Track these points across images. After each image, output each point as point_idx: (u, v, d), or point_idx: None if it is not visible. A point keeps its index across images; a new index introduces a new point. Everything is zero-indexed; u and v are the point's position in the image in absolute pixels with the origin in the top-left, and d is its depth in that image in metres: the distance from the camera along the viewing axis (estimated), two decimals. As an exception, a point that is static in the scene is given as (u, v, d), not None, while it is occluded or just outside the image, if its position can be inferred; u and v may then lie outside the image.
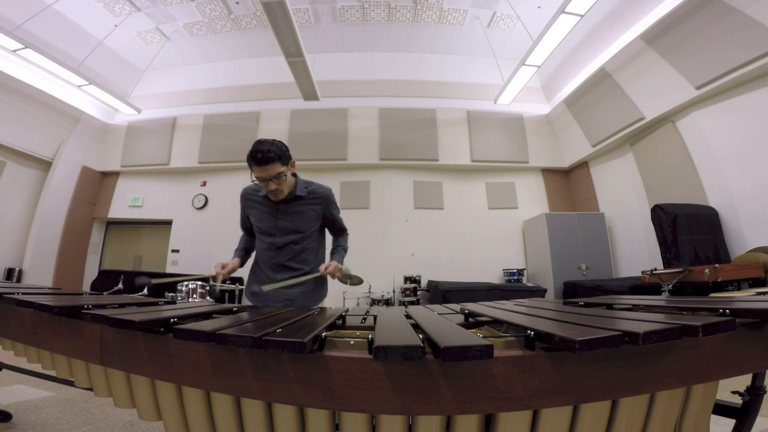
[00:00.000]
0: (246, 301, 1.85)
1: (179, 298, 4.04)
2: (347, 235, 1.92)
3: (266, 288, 1.54)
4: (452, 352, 0.56)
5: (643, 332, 0.56)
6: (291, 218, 1.69)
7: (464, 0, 5.86)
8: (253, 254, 1.87)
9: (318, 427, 0.69)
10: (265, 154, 1.49)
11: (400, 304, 5.80)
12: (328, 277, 1.74)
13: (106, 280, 5.41)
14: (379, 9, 6.13)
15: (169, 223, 7.04)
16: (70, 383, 1.10)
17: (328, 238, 1.91)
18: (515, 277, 6.32)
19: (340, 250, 1.83)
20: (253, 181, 1.60)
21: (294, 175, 1.72)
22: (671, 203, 4.60)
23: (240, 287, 4.92)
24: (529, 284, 6.07)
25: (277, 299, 1.66)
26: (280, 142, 1.60)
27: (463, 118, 7.04)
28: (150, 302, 1.28)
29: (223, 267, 1.67)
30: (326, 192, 1.77)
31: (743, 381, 0.87)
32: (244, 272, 1.88)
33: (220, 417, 0.75)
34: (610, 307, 1.09)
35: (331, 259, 1.73)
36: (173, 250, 6.85)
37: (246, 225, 1.86)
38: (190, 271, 6.27)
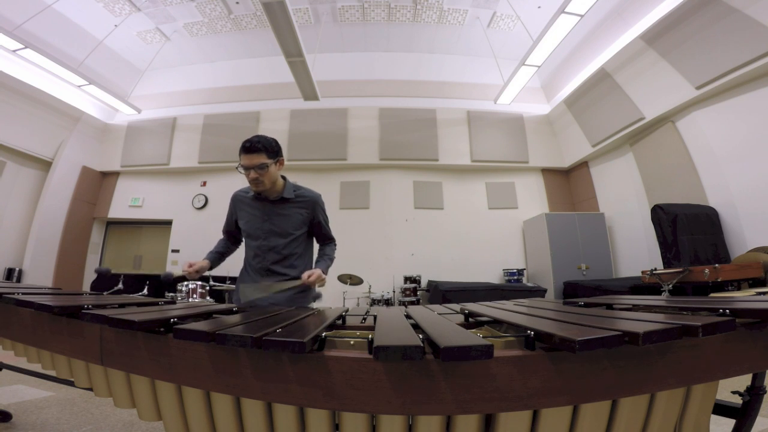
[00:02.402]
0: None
1: (179, 298, 4.04)
2: (335, 246, 1.87)
3: (250, 296, 1.54)
4: (452, 352, 0.56)
5: (643, 332, 0.56)
6: (277, 221, 1.69)
7: (464, 0, 5.86)
8: (232, 257, 1.87)
9: (318, 427, 0.69)
10: (253, 144, 1.56)
11: (400, 304, 5.80)
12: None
13: (105, 280, 5.41)
14: (379, 9, 6.12)
15: (169, 223, 7.04)
16: (70, 383, 1.10)
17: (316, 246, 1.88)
18: (515, 277, 6.32)
19: (326, 258, 1.77)
20: (237, 168, 1.62)
21: (283, 177, 1.73)
22: (671, 203, 4.60)
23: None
24: (529, 284, 6.07)
25: (263, 304, 1.63)
26: (275, 140, 1.64)
27: (463, 118, 7.04)
28: (150, 302, 1.28)
29: (191, 266, 1.64)
30: (314, 196, 1.77)
31: (743, 381, 0.87)
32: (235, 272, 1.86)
33: (220, 417, 0.75)
34: (610, 307, 1.09)
35: (316, 267, 1.68)
36: (173, 250, 6.85)
37: (229, 228, 1.85)
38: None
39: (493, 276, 6.57)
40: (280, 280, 1.66)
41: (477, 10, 6.06)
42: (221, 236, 1.90)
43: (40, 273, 6.19)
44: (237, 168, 1.62)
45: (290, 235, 1.69)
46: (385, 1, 5.93)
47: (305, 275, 1.56)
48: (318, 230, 1.80)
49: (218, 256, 1.83)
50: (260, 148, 1.56)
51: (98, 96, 6.15)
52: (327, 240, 1.85)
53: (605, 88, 5.77)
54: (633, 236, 5.80)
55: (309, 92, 5.87)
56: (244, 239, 1.81)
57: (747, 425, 0.89)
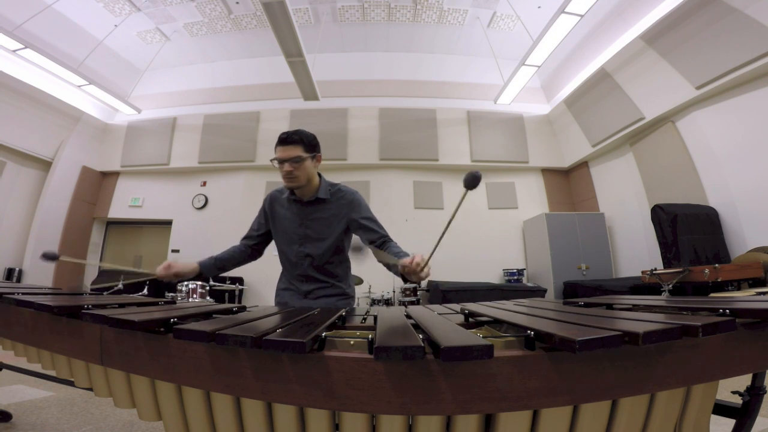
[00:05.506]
0: (245, 301, 1.81)
1: (179, 298, 4.05)
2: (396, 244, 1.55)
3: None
4: (452, 352, 0.56)
5: (643, 332, 0.56)
6: (314, 225, 1.58)
7: (464, 0, 5.86)
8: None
9: (318, 427, 0.69)
10: (290, 135, 1.49)
11: (400, 304, 5.80)
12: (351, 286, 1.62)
13: (105, 280, 5.40)
14: (379, 9, 6.12)
15: (169, 223, 7.04)
16: (70, 383, 1.10)
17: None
18: (515, 277, 6.32)
19: (404, 252, 1.40)
20: (271, 161, 1.54)
21: (319, 175, 1.64)
22: (671, 203, 4.60)
23: (240, 287, 4.91)
24: (529, 284, 6.07)
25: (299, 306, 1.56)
26: (314, 135, 1.56)
27: (463, 118, 7.04)
28: (150, 302, 1.28)
29: (167, 268, 1.48)
30: (352, 194, 1.64)
31: (743, 381, 0.87)
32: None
33: (220, 417, 0.75)
34: (610, 307, 1.09)
35: (402, 257, 1.29)
36: (173, 251, 6.84)
37: (253, 233, 1.71)
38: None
39: (493, 276, 6.57)
40: (322, 286, 1.59)
41: (477, 10, 6.06)
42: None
43: (40, 273, 6.18)
44: (271, 161, 1.53)
45: (328, 240, 1.57)
46: (385, 1, 5.93)
47: (407, 259, 1.19)
48: (366, 232, 1.56)
49: (215, 262, 1.63)
50: (296, 140, 1.48)
51: (98, 96, 6.15)
52: (383, 238, 1.56)
53: (605, 88, 5.77)
54: (633, 236, 5.80)
55: (309, 92, 5.87)
56: (277, 246, 1.66)
57: (747, 425, 0.89)
